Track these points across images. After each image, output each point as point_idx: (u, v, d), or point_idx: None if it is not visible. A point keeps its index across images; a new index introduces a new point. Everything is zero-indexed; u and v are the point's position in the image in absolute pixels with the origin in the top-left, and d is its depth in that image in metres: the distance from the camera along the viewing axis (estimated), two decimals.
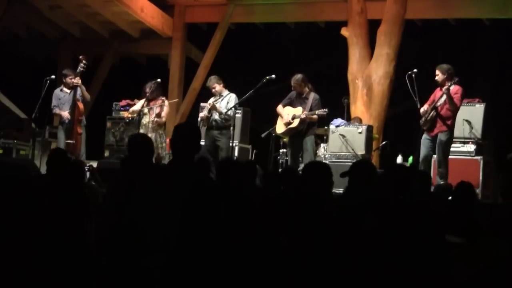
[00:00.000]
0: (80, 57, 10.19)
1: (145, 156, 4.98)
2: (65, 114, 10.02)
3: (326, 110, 9.41)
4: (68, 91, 10.17)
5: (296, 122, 9.50)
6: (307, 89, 9.63)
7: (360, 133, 10.00)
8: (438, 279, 3.97)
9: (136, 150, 5.03)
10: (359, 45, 11.60)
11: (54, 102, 10.25)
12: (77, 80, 10.03)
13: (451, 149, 9.34)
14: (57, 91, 10.33)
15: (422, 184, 5.78)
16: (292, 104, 9.67)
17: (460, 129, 9.62)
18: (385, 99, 11.51)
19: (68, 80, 10.15)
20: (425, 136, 8.76)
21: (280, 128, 9.77)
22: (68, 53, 14.11)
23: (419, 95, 8.88)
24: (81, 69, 10.10)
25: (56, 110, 10.21)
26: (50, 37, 14.26)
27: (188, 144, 4.19)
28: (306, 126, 9.50)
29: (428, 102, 8.80)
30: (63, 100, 10.16)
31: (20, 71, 13.84)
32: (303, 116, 9.42)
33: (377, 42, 11.52)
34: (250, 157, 11.26)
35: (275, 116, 9.85)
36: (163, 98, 10.30)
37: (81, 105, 10.07)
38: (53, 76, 10.30)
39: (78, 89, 10.07)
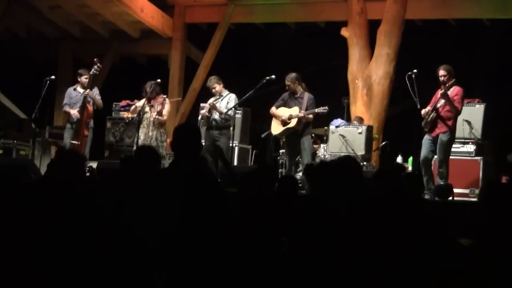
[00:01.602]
0: (95, 59, 10.14)
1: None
2: (74, 112, 9.99)
3: (326, 108, 9.40)
4: (81, 91, 10.15)
5: (293, 122, 9.49)
6: (300, 89, 9.62)
7: (360, 133, 10.00)
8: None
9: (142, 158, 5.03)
10: (359, 45, 11.60)
11: (65, 100, 10.25)
12: (87, 92, 9.99)
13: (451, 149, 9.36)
14: (70, 89, 10.32)
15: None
16: (285, 105, 9.66)
17: (460, 129, 9.61)
18: (385, 99, 11.51)
19: (82, 79, 10.13)
20: (426, 137, 8.75)
21: (276, 129, 9.74)
22: (68, 53, 14.13)
23: (419, 95, 8.87)
24: (95, 71, 10.06)
25: (66, 108, 10.19)
26: (50, 37, 14.26)
27: (189, 144, 4.20)
28: (302, 126, 9.51)
29: (430, 104, 8.79)
30: (75, 100, 10.14)
31: (20, 71, 13.84)
32: (301, 115, 9.41)
33: (377, 42, 11.52)
34: (250, 158, 11.26)
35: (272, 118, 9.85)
36: (164, 96, 10.29)
37: (90, 108, 10.04)
38: (53, 76, 10.28)
39: (92, 93, 10.06)
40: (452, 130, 8.69)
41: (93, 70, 10.06)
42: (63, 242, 4.21)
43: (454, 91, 8.68)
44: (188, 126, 4.80)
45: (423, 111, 8.72)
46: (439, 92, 8.79)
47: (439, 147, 8.63)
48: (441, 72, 8.72)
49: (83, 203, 4.53)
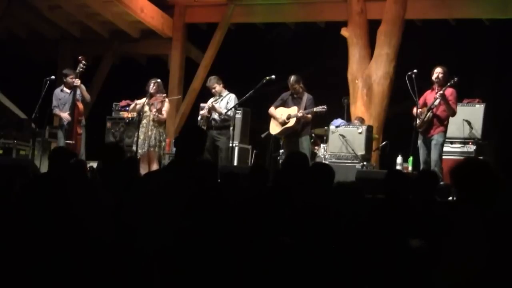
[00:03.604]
0: (80, 57, 10.19)
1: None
2: (65, 115, 10.02)
3: (325, 107, 9.43)
4: (68, 91, 10.17)
5: (292, 122, 9.52)
6: (300, 89, 9.66)
7: (360, 133, 10.00)
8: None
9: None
10: (359, 45, 11.60)
11: (54, 102, 10.26)
12: (77, 81, 10.03)
13: (451, 149, 9.38)
14: (57, 91, 10.33)
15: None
16: (285, 105, 9.70)
17: (460, 129, 9.63)
18: (385, 99, 11.51)
19: (68, 80, 10.15)
20: (421, 139, 8.77)
21: (274, 129, 9.77)
22: (68, 53, 14.11)
23: (419, 95, 8.88)
24: (81, 69, 10.10)
25: (56, 111, 10.22)
26: (50, 37, 14.25)
27: (191, 146, 4.22)
28: (301, 125, 9.52)
29: (420, 105, 8.80)
30: (63, 101, 10.16)
31: (20, 71, 13.83)
32: (299, 114, 9.43)
33: (377, 42, 11.52)
34: (250, 158, 11.26)
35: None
36: (164, 95, 10.30)
37: (80, 106, 10.07)
38: (53, 77, 10.28)
39: (78, 89, 10.08)
40: (446, 130, 8.76)
41: (78, 68, 10.09)
42: (60, 242, 4.20)
43: (448, 92, 8.72)
44: (195, 127, 4.83)
45: (415, 111, 8.74)
46: (429, 92, 8.83)
47: (434, 147, 8.66)
48: (438, 69, 8.75)
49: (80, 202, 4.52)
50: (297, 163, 5.12)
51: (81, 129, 10.05)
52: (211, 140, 9.78)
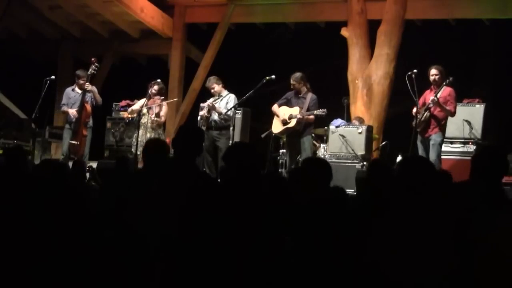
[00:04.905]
0: (93, 59, 10.18)
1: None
2: (73, 111, 10.01)
3: (325, 110, 9.41)
4: (80, 91, 10.17)
5: (293, 122, 9.51)
6: (305, 89, 9.64)
7: (360, 133, 10.00)
8: None
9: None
10: (359, 45, 11.60)
11: (63, 100, 10.28)
12: (87, 85, 10.02)
13: (451, 149, 9.37)
14: (68, 90, 10.35)
15: None
16: (288, 104, 9.67)
17: (460, 129, 9.63)
18: (385, 99, 11.51)
19: (80, 81, 10.15)
20: (420, 139, 8.78)
21: (276, 127, 9.76)
22: (68, 53, 14.13)
23: (419, 95, 8.89)
24: (93, 71, 10.11)
25: (64, 108, 10.23)
26: (50, 37, 14.26)
27: (190, 145, 4.23)
28: (303, 126, 9.51)
29: (420, 105, 8.80)
30: (73, 100, 10.17)
31: (20, 71, 13.84)
32: (300, 116, 9.42)
33: (377, 42, 11.52)
34: None
35: (274, 116, 9.85)
36: (162, 97, 10.31)
37: (88, 108, 10.07)
38: (53, 76, 10.29)
39: (90, 92, 10.07)
40: (444, 130, 8.76)
41: (90, 69, 10.09)
42: (54, 240, 4.20)
43: (446, 92, 8.71)
44: (191, 127, 4.83)
45: (414, 111, 8.75)
46: (428, 92, 8.83)
47: (432, 147, 8.67)
48: (433, 71, 8.75)
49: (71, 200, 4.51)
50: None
51: (86, 131, 10.05)
52: (211, 140, 9.78)
